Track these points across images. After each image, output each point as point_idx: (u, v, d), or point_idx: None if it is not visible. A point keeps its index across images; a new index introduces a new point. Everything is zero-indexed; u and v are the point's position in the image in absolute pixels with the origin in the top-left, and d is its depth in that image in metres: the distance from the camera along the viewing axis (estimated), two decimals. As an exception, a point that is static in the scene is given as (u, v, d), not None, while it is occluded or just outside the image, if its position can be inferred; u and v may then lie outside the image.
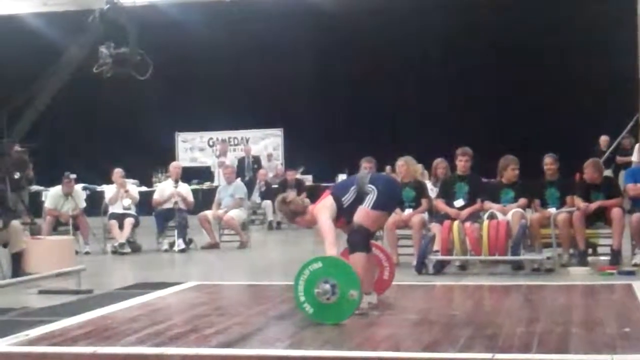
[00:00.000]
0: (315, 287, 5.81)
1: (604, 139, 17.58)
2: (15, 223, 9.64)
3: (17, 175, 13.41)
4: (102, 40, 9.66)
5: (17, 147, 13.47)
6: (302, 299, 5.88)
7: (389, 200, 6.52)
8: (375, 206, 6.28)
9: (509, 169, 9.68)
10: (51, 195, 12.92)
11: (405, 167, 10.15)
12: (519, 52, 19.38)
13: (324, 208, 6.38)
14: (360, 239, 6.25)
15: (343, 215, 6.40)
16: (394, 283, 6.92)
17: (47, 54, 12.46)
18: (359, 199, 6.34)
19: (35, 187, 16.80)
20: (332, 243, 6.11)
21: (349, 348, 5.18)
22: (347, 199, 6.39)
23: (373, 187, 6.32)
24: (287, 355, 5.02)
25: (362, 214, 6.27)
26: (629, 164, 14.70)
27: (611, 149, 17.03)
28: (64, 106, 14.76)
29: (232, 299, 7.87)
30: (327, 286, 5.81)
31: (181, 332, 5.71)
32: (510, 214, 9.22)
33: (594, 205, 9.25)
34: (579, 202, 9.32)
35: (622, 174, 12.40)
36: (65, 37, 13.53)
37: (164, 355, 5.02)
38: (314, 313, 5.84)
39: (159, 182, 17.77)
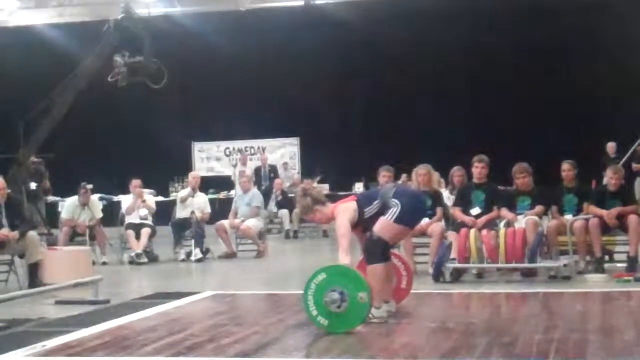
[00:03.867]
0: (324, 297, 5.82)
1: (610, 146, 17.52)
2: (32, 234, 9.68)
3: (33, 186, 13.53)
4: (117, 50, 9.71)
5: (34, 158, 13.58)
6: (315, 313, 5.87)
7: (413, 215, 6.44)
8: (398, 220, 6.21)
9: (516, 177, 9.71)
10: (68, 206, 12.95)
11: (429, 176, 10.12)
12: (535, 60, 19.33)
13: (347, 210, 6.32)
14: (377, 251, 6.21)
15: (362, 225, 6.37)
16: (412, 291, 6.91)
17: (64, 65, 12.57)
18: (381, 212, 6.28)
19: (51, 198, 16.89)
20: (345, 250, 6.08)
21: (367, 356, 5.18)
22: (370, 211, 6.34)
23: (397, 201, 6.25)
24: (304, 365, 5.02)
25: (383, 226, 6.22)
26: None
27: (627, 156, 16.95)
28: (80, 116, 14.84)
29: (249, 309, 7.88)
30: (336, 295, 5.80)
31: (199, 342, 5.71)
32: (524, 221, 9.20)
33: (614, 213, 9.20)
34: (596, 210, 9.29)
35: (638, 182, 12.33)
36: (81, 48, 13.63)
37: (182, 365, 5.04)
38: (329, 325, 5.83)
39: (176, 192, 17.81)
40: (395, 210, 6.22)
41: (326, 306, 5.80)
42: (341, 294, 5.79)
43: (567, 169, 9.76)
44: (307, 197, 6.54)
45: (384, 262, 6.24)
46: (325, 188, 18.97)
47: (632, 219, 9.11)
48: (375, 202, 6.35)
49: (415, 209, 6.49)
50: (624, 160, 16.48)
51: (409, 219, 6.33)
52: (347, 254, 6.06)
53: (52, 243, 11.62)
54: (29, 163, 13.28)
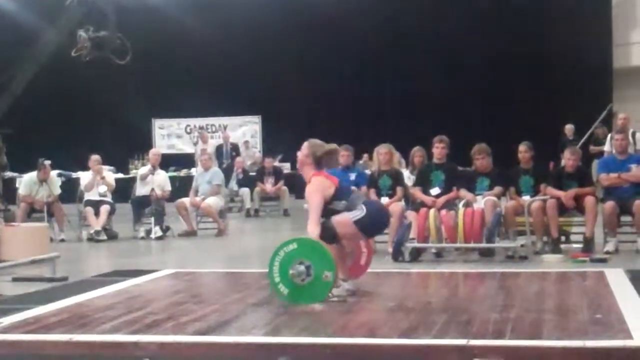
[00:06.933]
0: (290, 268, 5.85)
1: (568, 128, 17.72)
2: (-12, 210, 9.57)
3: (-11, 162, 13.33)
4: (80, 24, 9.57)
5: (-10, 133, 13.38)
6: (277, 279, 5.93)
7: (373, 225, 6.49)
8: (358, 222, 6.24)
9: (475, 158, 9.82)
10: (25, 182, 12.81)
11: (389, 155, 10.17)
12: (495, 42, 19.44)
13: (322, 188, 6.34)
14: (326, 235, 6.19)
15: (323, 210, 6.35)
16: (371, 270, 6.96)
17: (23, 38, 12.37)
18: (345, 209, 6.30)
19: (9, 174, 16.66)
20: (315, 221, 6.16)
21: (326, 335, 5.20)
22: (337, 204, 6.33)
23: (364, 207, 6.30)
24: (264, 342, 5.03)
25: (341, 220, 6.24)
26: (602, 153, 14.79)
27: (584, 138, 17.15)
28: (39, 91, 14.64)
29: (209, 287, 7.88)
30: (302, 267, 5.86)
31: (158, 319, 5.70)
32: (483, 201, 9.29)
33: (571, 194, 9.31)
34: (553, 191, 9.40)
35: (595, 164, 12.48)
36: (41, 21, 13.43)
37: (141, 343, 5.02)
38: (289, 294, 5.88)
39: (136, 169, 17.69)
40: (359, 213, 6.26)
41: (291, 278, 5.85)
42: (307, 268, 5.84)
43: (523, 150, 9.86)
44: (323, 154, 6.58)
45: (332, 243, 6.25)
46: (286, 167, 18.97)
47: (588, 200, 9.23)
48: (342, 203, 6.34)
49: (378, 221, 6.56)
50: (581, 142, 16.66)
51: (368, 226, 6.37)
52: (316, 225, 6.14)
53: (9, 219, 11.48)
54: (-15, 138, 13.09)
